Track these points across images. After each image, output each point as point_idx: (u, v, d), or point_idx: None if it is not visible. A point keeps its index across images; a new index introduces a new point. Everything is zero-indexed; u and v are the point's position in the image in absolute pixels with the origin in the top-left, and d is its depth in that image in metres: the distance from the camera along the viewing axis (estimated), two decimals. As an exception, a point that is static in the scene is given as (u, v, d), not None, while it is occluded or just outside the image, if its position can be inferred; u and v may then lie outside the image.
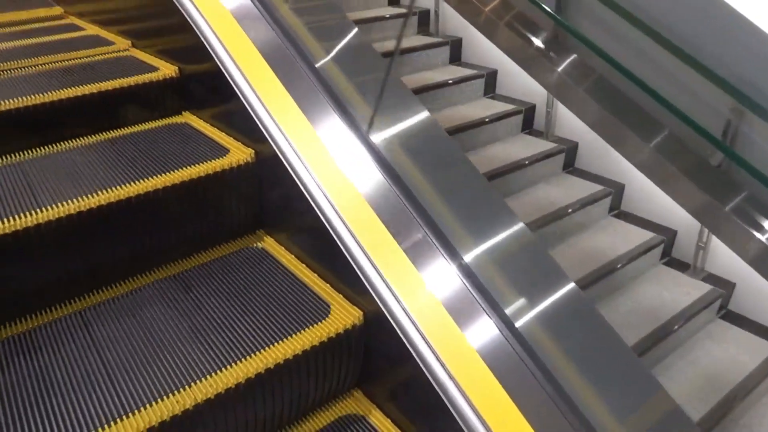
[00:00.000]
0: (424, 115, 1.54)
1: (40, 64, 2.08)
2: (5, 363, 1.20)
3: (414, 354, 1.20)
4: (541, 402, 1.10)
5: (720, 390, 2.27)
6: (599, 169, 3.18)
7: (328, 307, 1.36)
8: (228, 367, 1.18)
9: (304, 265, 1.55)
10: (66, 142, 1.75)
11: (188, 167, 1.57)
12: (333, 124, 1.50)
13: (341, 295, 1.42)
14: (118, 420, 1.05)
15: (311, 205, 1.43)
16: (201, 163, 1.57)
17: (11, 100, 1.72)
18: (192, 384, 1.12)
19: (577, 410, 1.07)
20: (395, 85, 1.60)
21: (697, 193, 2.76)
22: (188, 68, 2.02)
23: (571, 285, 1.24)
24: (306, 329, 1.28)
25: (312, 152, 1.47)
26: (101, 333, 1.28)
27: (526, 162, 3.00)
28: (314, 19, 1.88)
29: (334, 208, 1.38)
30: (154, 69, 2.03)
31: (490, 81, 3.59)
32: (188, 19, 1.79)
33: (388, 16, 3.80)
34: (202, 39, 1.74)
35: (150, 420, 1.05)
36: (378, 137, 1.47)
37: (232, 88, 1.64)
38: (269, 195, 1.75)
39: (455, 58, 3.80)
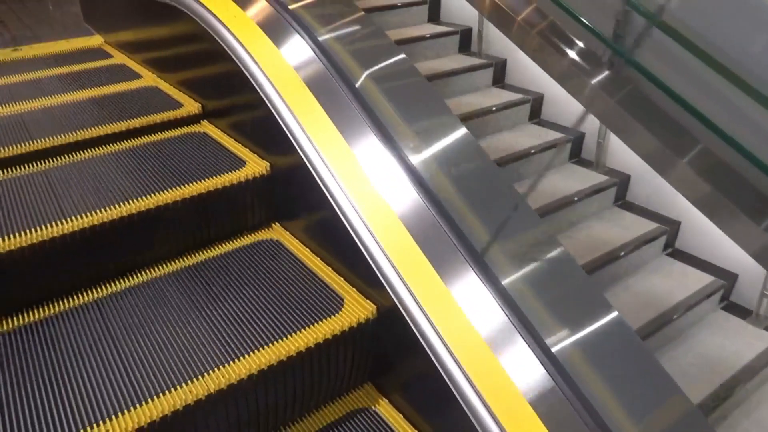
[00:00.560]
0: (462, 134, 1.51)
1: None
2: (25, 350, 1.21)
3: (426, 348, 1.18)
4: (557, 402, 1.06)
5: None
6: (653, 203, 3.04)
7: (342, 300, 1.36)
8: (241, 358, 1.17)
9: (318, 258, 1.52)
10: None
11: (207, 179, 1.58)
12: (368, 140, 1.47)
13: (355, 289, 1.40)
14: (131, 408, 1.06)
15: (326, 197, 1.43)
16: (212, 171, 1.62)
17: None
18: (205, 374, 1.13)
19: (598, 416, 1.02)
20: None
21: (762, 236, 2.61)
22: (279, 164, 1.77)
23: (584, 274, 1.26)
24: (320, 322, 1.28)
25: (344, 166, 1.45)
26: (117, 323, 1.29)
27: (576, 198, 2.87)
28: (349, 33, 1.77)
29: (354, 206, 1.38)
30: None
31: (536, 106, 3.45)
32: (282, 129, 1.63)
33: (428, 35, 3.67)
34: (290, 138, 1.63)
35: (163, 409, 1.06)
36: (417, 159, 1.43)
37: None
38: (285, 191, 1.71)
39: (498, 79, 3.66)
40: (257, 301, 1.35)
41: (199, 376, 1.13)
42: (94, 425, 1.02)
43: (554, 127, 3.35)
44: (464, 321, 1.17)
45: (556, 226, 2.83)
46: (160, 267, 1.50)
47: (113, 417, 1.05)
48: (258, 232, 1.67)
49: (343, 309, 1.31)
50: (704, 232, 2.84)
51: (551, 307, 1.19)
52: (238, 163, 1.69)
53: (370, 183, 1.39)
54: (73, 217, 1.39)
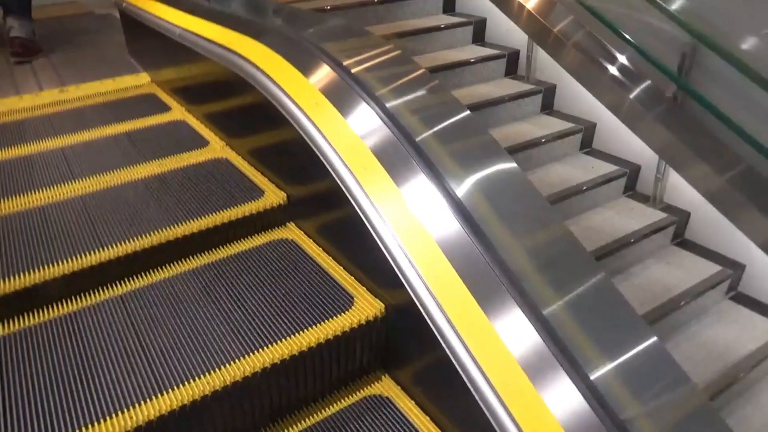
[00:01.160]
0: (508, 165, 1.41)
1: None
2: (52, 343, 1.29)
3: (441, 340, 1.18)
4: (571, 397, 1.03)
5: None
6: (713, 243, 2.89)
7: (352, 298, 1.41)
8: (255, 352, 1.24)
9: (330, 258, 1.56)
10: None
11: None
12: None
13: (365, 288, 1.44)
14: (154, 397, 1.14)
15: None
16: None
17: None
18: (223, 367, 1.20)
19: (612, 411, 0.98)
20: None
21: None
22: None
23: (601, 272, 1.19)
24: (331, 319, 1.34)
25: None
26: (140, 316, 1.37)
27: (632, 240, 2.74)
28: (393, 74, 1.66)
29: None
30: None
31: (587, 135, 3.31)
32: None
33: (473, 60, 3.55)
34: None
35: (182, 398, 1.14)
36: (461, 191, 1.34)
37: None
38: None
39: (547, 105, 3.53)
40: (273, 298, 1.43)
41: (218, 368, 1.21)
42: (118, 413, 1.12)
43: (608, 158, 3.21)
44: (477, 309, 1.17)
45: (615, 268, 2.71)
46: (181, 263, 1.56)
47: (137, 405, 1.13)
48: (274, 231, 1.70)
49: (353, 306, 1.39)
50: (771, 276, 2.69)
51: (605, 351, 1.11)
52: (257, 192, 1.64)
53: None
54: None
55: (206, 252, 1.59)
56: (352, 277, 1.52)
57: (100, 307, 1.39)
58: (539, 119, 3.43)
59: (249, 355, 1.22)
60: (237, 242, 1.65)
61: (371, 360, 1.44)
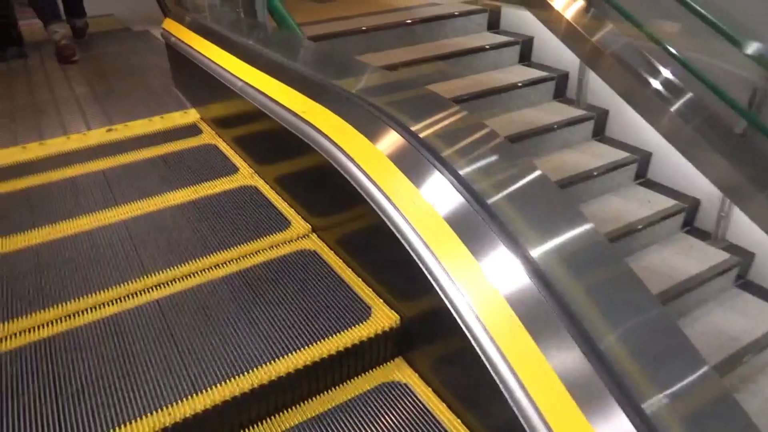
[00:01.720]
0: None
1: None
2: (94, 343, 1.40)
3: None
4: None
5: None
6: (781, 285, 2.76)
7: (369, 309, 1.49)
8: (277, 359, 1.34)
9: (350, 270, 1.63)
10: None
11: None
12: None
13: (381, 300, 1.51)
14: (188, 397, 1.24)
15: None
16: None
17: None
18: (251, 370, 1.31)
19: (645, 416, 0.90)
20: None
21: None
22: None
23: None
24: (349, 329, 1.42)
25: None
26: (175, 321, 1.47)
27: (694, 285, 2.62)
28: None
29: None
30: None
31: (642, 166, 3.18)
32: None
33: (520, 84, 3.43)
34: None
35: (214, 399, 1.24)
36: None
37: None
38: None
39: (599, 131, 3.40)
40: (297, 306, 1.51)
41: (245, 372, 1.31)
42: (155, 411, 1.22)
43: (665, 190, 3.07)
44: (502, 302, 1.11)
45: (675, 311, 2.60)
46: (211, 270, 1.67)
47: (173, 404, 1.23)
48: (297, 241, 1.79)
49: (370, 317, 1.47)
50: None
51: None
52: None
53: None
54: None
55: (235, 261, 1.70)
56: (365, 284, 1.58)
57: (138, 311, 1.50)
58: (591, 147, 3.30)
59: (275, 361, 1.33)
60: (263, 252, 1.75)
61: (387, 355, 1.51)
